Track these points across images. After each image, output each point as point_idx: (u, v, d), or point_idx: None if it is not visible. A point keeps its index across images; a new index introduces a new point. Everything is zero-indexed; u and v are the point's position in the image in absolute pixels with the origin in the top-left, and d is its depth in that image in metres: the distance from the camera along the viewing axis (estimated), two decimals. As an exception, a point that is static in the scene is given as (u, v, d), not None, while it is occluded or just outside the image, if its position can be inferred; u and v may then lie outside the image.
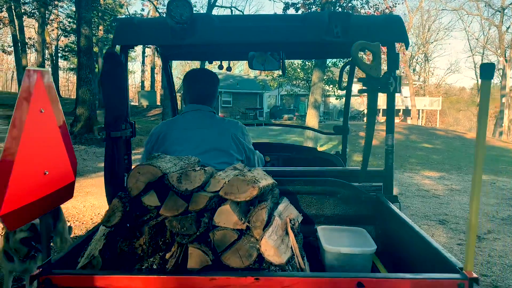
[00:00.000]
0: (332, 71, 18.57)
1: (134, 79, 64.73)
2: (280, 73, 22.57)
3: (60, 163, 1.33)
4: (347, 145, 3.44)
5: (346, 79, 3.34)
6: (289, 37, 2.11)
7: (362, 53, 1.95)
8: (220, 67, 3.03)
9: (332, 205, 2.28)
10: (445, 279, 1.24)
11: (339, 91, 18.97)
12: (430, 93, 53.70)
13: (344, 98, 3.89)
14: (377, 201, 2.27)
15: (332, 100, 35.66)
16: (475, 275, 1.24)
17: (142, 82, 45.34)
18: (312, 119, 13.36)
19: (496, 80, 40.05)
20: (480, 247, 5.68)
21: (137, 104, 38.28)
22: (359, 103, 37.87)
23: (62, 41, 38.87)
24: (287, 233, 1.55)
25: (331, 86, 18.53)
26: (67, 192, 1.40)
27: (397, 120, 39.79)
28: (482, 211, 7.76)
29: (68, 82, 62.16)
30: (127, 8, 36.86)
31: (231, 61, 3.38)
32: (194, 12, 1.93)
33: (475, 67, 51.97)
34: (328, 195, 2.27)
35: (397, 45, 2.26)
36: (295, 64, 22.06)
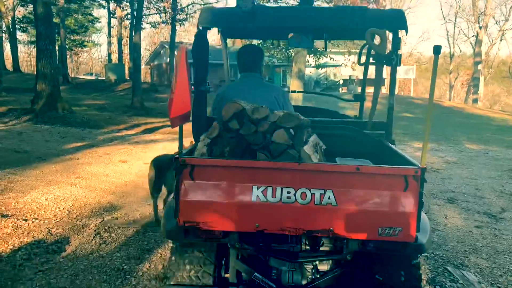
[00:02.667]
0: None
1: (100, 53, 62.00)
2: (258, 42, 21.54)
3: (186, 96, 2.16)
4: (366, 110, 3.84)
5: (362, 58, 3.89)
6: (321, 23, 2.90)
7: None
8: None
9: (348, 144, 3.09)
10: (409, 168, 2.04)
11: (320, 59, 18.20)
12: (403, 61, 53.60)
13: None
14: (379, 143, 3.13)
15: (308, 70, 34.79)
16: (425, 166, 2.00)
17: (109, 54, 42.98)
18: (296, 90, 12.54)
19: (469, 48, 40.05)
20: (500, 229, 5.11)
21: (104, 78, 36.30)
22: (335, 73, 37.25)
23: (20, 11, 36.06)
24: (316, 151, 2.36)
25: (312, 55, 17.65)
26: (187, 117, 2.23)
27: (371, 89, 39.41)
28: (488, 186, 7.24)
29: (30, 57, 58.56)
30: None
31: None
32: (255, 4, 2.73)
33: (447, 34, 52.09)
34: (344, 137, 3.15)
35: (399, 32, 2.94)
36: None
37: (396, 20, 2.78)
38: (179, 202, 2.10)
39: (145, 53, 66.05)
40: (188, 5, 27.88)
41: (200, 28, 2.87)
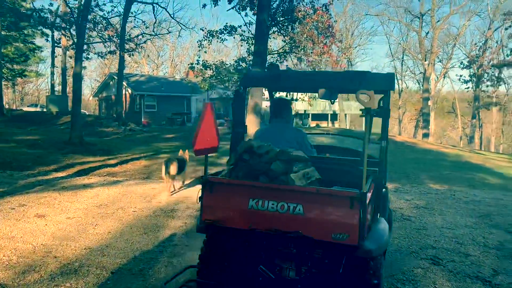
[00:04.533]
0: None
1: (48, 83, 59.04)
2: (212, 73, 20.72)
3: (213, 136, 3.24)
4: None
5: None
6: (328, 85, 3.69)
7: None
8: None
9: (346, 176, 3.68)
10: (354, 191, 2.76)
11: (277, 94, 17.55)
12: (353, 97, 54.84)
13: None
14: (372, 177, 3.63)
15: (265, 104, 34.35)
16: (365, 191, 2.71)
17: (52, 85, 40.34)
18: (252, 125, 11.55)
19: (415, 84, 41.44)
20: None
21: (45, 110, 33.81)
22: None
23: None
24: (304, 179, 3.14)
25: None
26: (213, 150, 3.29)
27: (324, 124, 39.63)
28: (468, 238, 6.42)
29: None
30: (32, 3, 32.34)
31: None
32: (279, 69, 4.01)
33: (396, 71, 54.06)
34: (343, 171, 3.80)
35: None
36: (227, 64, 20.12)
37: (388, 82, 3.63)
38: (202, 206, 3.17)
39: (95, 85, 63.40)
40: (137, 35, 26.65)
41: (241, 88, 3.91)
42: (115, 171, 11.49)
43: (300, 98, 17.48)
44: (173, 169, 8.25)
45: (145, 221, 6.50)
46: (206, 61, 18.57)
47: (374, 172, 3.61)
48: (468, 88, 36.12)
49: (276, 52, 15.93)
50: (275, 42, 26.53)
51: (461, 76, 60.40)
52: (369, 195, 2.88)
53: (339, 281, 3.09)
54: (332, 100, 3.92)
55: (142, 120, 33.12)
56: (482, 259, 5.50)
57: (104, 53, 25.78)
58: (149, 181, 10.35)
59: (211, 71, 19.10)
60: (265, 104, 34.72)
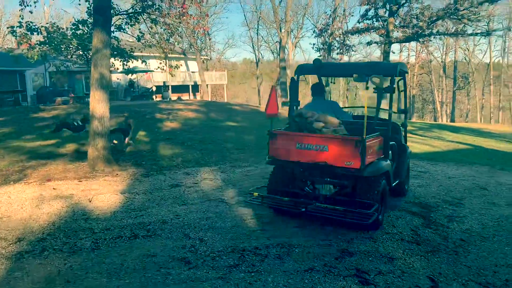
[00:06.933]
0: (117, 37, 13.94)
1: None
2: (42, 39, 16.63)
3: (275, 108, 5.29)
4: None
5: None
6: (357, 71, 5.39)
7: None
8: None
9: (369, 128, 5.05)
10: (358, 137, 4.79)
11: (127, 65, 14.76)
12: (212, 67, 53.60)
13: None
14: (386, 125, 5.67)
15: (117, 76, 30.42)
16: (365, 137, 4.72)
17: None
18: (98, 103, 8.96)
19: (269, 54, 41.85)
20: None
21: None
22: (145, 80, 33.85)
23: None
24: (335, 132, 5.11)
25: (119, 58, 14.06)
26: (275, 115, 5.29)
27: (186, 96, 37.54)
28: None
29: None
30: None
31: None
32: (322, 62, 5.96)
33: (252, 40, 54.32)
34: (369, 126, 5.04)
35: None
36: (62, 28, 16.18)
37: (392, 69, 5.70)
38: (269, 148, 5.30)
39: None
40: None
41: (295, 76, 6.01)
42: None
43: (158, 67, 15.00)
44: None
45: None
46: (32, 22, 14.54)
47: (384, 130, 5.44)
48: (321, 56, 37.82)
49: (125, 12, 13.14)
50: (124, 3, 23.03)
51: (314, 44, 64.07)
52: (370, 141, 4.93)
53: (352, 195, 5.19)
54: (366, 85, 5.26)
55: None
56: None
57: None
58: None
59: (41, 36, 15.23)
60: (116, 77, 30.90)
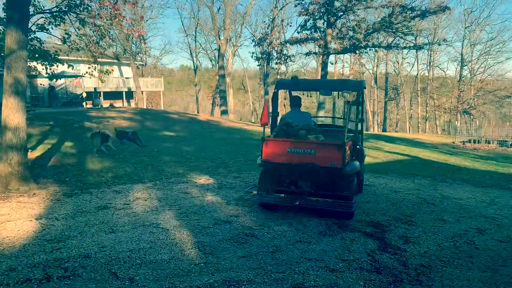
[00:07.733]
0: (39, 38, 12.44)
1: None
2: None
3: (266, 118, 6.57)
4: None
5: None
6: (326, 87, 7.52)
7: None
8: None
9: (338, 137, 6.57)
10: (338, 142, 5.97)
11: (52, 69, 13.26)
12: (148, 74, 51.67)
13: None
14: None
15: (42, 81, 27.98)
16: (344, 142, 5.91)
17: None
18: (12, 112, 7.74)
19: (207, 62, 41.18)
20: None
21: None
22: (75, 85, 31.56)
23: None
24: (317, 139, 6.34)
25: (42, 62, 12.58)
26: (267, 124, 6.43)
27: (119, 103, 35.60)
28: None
29: None
30: None
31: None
32: (297, 79, 6.90)
33: (189, 47, 53.17)
34: (337, 136, 6.76)
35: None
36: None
37: (358, 85, 7.01)
38: (262, 151, 6.18)
39: None
40: None
41: (276, 90, 7.13)
42: None
43: (87, 72, 13.67)
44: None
45: None
46: None
47: (352, 136, 6.76)
48: (259, 65, 37.73)
49: (48, 10, 11.79)
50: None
51: (253, 53, 64.06)
52: (348, 145, 6.07)
53: (333, 190, 6.16)
54: (329, 96, 8.42)
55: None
56: None
57: None
58: None
59: None
60: (40, 82, 28.45)
